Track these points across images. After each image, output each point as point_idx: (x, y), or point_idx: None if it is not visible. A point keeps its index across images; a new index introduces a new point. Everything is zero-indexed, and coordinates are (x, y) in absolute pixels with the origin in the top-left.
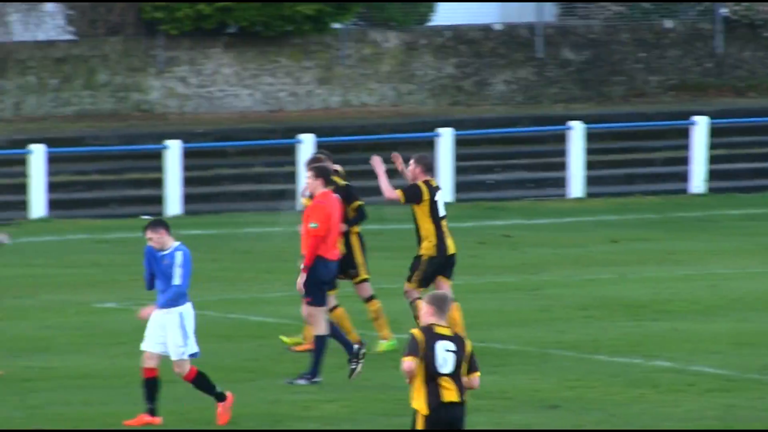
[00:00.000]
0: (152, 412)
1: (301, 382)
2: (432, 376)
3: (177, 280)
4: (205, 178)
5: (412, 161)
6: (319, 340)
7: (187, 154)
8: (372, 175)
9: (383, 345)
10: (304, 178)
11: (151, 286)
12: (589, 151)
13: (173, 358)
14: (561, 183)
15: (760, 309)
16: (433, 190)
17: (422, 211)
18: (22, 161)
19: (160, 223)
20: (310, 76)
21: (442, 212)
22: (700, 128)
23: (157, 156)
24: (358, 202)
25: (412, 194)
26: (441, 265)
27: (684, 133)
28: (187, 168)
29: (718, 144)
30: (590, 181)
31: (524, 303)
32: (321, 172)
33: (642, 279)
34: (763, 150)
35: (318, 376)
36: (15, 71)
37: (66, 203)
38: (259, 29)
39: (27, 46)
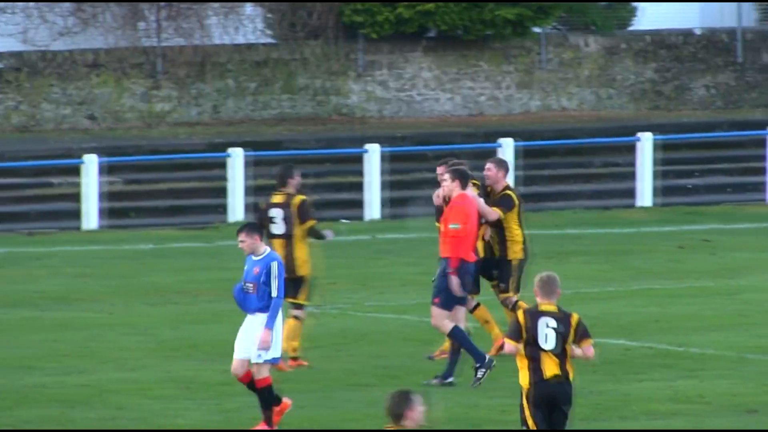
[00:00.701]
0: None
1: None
2: (534, 353)
3: (275, 292)
4: (405, 182)
5: (492, 165)
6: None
7: (387, 158)
8: (573, 179)
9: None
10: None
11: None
12: None
13: (253, 360)
14: (760, 188)
15: None
16: (518, 194)
17: (512, 217)
18: (220, 165)
19: (255, 227)
20: (510, 80)
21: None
22: None
23: (357, 160)
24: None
25: (507, 205)
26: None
27: None
28: (386, 172)
29: None
30: None
31: (722, 307)
32: (458, 174)
33: None
34: None
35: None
36: (214, 74)
37: None
38: (460, 33)
39: (226, 49)
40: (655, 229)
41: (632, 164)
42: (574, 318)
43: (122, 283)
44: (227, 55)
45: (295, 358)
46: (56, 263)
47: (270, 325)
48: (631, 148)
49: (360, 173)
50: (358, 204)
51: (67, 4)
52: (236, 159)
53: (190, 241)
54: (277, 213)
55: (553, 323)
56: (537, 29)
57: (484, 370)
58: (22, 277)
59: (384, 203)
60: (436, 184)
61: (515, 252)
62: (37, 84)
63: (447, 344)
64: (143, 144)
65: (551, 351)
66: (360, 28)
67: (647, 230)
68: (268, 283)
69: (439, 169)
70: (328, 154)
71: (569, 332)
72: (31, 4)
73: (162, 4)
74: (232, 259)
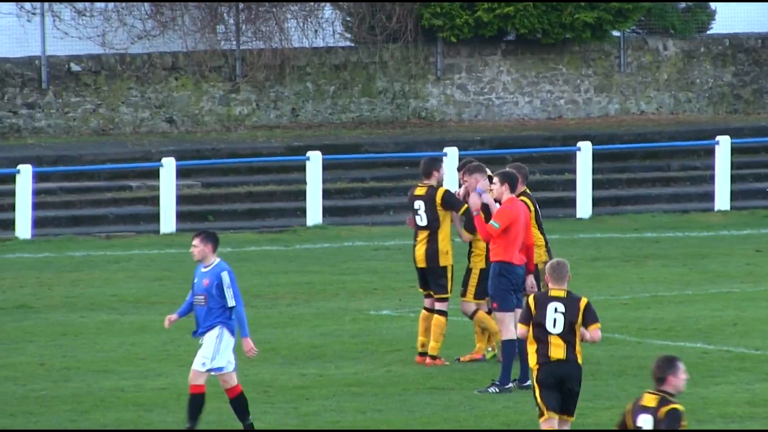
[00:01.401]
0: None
1: (493, 390)
2: (542, 335)
3: (231, 301)
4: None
5: (496, 179)
6: (507, 345)
7: None
8: (651, 182)
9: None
10: (461, 183)
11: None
12: None
13: (194, 368)
14: None
15: None
16: (533, 199)
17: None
18: (299, 168)
19: (212, 236)
20: (588, 83)
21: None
22: None
23: None
24: None
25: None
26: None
27: None
28: None
29: None
30: None
31: None
32: (507, 178)
33: None
34: None
35: (509, 382)
36: (292, 78)
37: (342, 210)
38: (539, 36)
39: (305, 53)
40: (732, 233)
41: (710, 168)
42: (583, 302)
43: None
44: (306, 58)
45: (423, 354)
46: (134, 266)
47: (246, 333)
48: (709, 152)
49: None
50: None
51: (146, 8)
52: (314, 162)
53: (268, 244)
54: (420, 205)
55: (561, 308)
56: (616, 33)
57: (499, 390)
58: (100, 281)
59: None
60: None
61: (539, 255)
62: (115, 87)
63: (478, 347)
64: (221, 147)
65: (558, 335)
66: (439, 31)
67: (725, 234)
68: (221, 294)
69: (463, 176)
70: (406, 157)
71: (577, 316)
72: (110, 7)
73: (240, 6)
74: (310, 263)
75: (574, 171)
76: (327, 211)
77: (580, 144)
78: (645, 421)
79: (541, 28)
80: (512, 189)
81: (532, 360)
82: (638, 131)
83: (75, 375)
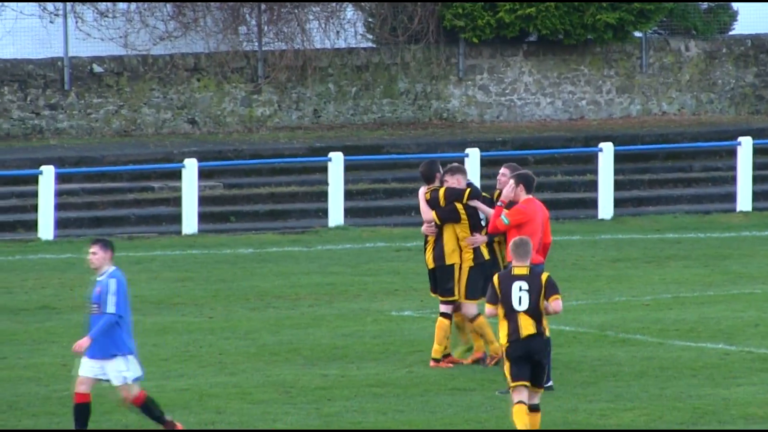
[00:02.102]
0: None
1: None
2: (511, 313)
3: (112, 308)
4: None
5: (506, 171)
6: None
7: (486, 163)
8: (673, 183)
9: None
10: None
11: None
12: None
13: (117, 383)
14: None
15: None
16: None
17: None
18: (321, 169)
19: (110, 245)
20: (610, 84)
21: None
22: None
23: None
24: None
25: None
26: None
27: None
28: (486, 176)
29: None
30: None
31: None
32: (521, 179)
33: None
34: None
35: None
36: (314, 79)
37: (364, 211)
38: (560, 37)
39: (326, 54)
40: (754, 234)
41: (732, 169)
42: (544, 276)
43: (222, 288)
44: (328, 59)
45: (446, 355)
46: (156, 267)
47: (93, 334)
48: (731, 153)
49: None
50: None
51: (168, 9)
52: (336, 163)
53: (290, 245)
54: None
55: (525, 285)
56: (638, 34)
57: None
58: None
59: None
60: (536, 188)
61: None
62: (137, 88)
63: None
64: (243, 148)
65: (525, 312)
66: (461, 32)
67: (747, 234)
68: (106, 300)
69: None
70: (428, 158)
71: (540, 290)
72: (133, 8)
73: (263, 7)
74: (332, 264)
75: (595, 172)
76: (349, 212)
77: (601, 145)
78: None
79: (563, 29)
80: (528, 189)
81: (504, 337)
82: (660, 132)
83: None
